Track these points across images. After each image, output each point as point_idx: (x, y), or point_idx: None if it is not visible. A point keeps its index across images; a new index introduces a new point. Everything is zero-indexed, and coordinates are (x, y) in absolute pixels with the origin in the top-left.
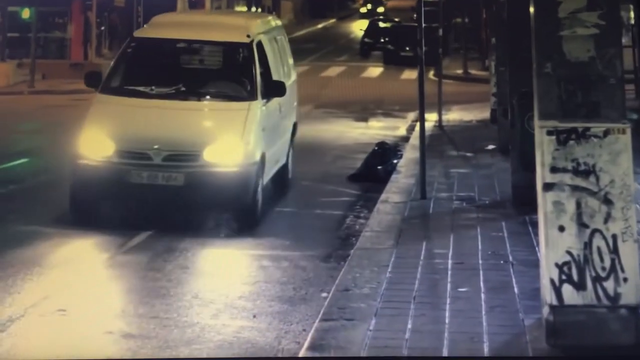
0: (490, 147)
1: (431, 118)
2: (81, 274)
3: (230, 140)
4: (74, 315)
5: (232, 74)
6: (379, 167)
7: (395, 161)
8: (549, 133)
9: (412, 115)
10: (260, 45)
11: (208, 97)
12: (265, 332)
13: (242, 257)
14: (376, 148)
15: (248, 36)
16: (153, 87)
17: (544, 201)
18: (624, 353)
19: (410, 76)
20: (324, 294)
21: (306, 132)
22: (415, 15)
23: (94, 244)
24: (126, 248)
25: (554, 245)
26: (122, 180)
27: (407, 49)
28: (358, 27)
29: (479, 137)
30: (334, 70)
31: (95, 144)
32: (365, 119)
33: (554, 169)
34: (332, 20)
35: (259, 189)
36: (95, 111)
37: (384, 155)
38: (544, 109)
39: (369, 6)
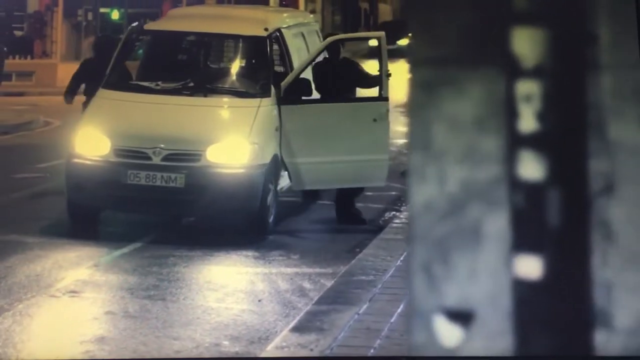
0: None
1: None
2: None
3: (236, 139)
4: None
5: (246, 69)
6: None
7: None
8: None
9: None
10: (280, 40)
11: (216, 93)
12: (265, 316)
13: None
14: None
15: (265, 29)
16: (158, 83)
17: None
18: None
19: None
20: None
21: None
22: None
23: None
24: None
25: None
26: (118, 181)
27: None
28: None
29: None
30: None
31: (91, 141)
32: None
33: None
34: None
35: (271, 195)
36: (94, 107)
37: None
38: None
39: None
